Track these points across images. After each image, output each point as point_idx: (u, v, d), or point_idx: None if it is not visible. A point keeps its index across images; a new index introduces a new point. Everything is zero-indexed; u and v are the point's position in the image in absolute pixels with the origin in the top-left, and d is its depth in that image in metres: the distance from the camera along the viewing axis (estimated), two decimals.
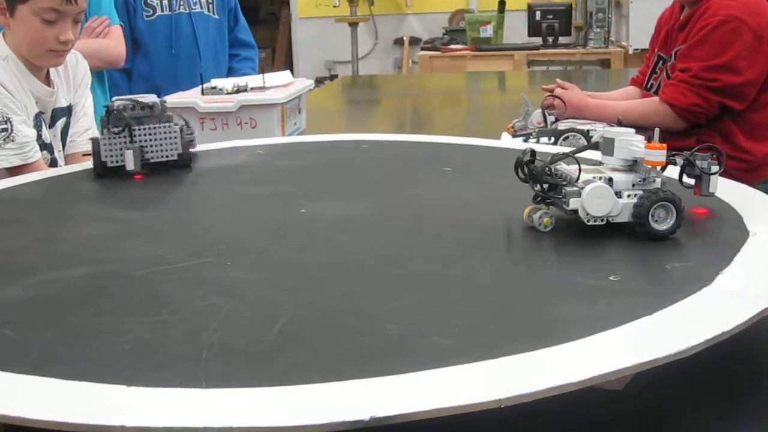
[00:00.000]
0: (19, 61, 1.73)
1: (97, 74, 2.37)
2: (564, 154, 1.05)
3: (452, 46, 6.13)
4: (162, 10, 2.88)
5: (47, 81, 1.80)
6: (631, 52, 5.68)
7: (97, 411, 0.61)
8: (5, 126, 1.65)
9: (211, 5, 2.96)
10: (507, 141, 1.92)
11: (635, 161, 1.02)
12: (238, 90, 2.18)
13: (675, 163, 1.06)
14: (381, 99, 4.13)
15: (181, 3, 2.91)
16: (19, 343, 0.75)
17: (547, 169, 1.03)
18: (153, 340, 0.75)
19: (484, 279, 0.90)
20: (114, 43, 2.46)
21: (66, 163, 1.83)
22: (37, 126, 1.75)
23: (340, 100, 4.10)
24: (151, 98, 1.48)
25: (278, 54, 8.05)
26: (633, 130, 1.06)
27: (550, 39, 6.00)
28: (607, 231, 1.00)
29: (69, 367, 0.69)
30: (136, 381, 0.65)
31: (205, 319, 0.79)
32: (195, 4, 2.93)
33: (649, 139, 1.02)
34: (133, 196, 1.35)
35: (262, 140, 1.78)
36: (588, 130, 1.92)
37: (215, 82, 2.25)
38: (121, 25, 2.55)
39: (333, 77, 6.77)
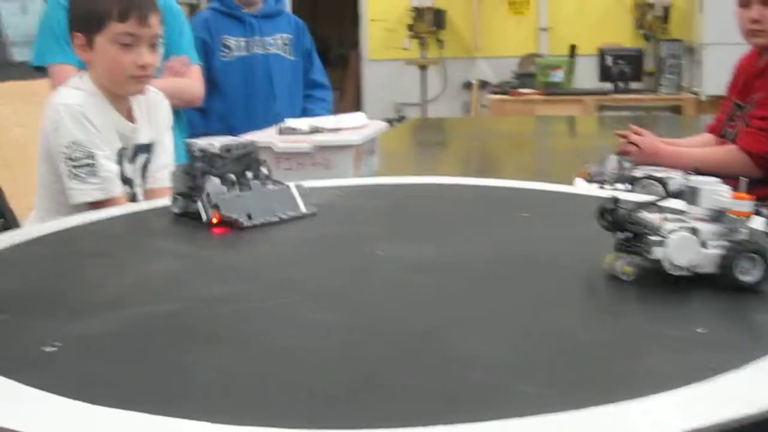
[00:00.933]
0: (104, 98, 1.78)
1: (175, 112, 2.41)
2: (648, 202, 1.04)
3: (522, 90, 6.13)
4: (239, 51, 2.94)
5: (130, 117, 1.85)
6: (704, 98, 5.61)
7: None
8: (90, 161, 1.70)
9: (287, 47, 3.00)
10: (582, 186, 1.91)
11: (720, 211, 1.00)
12: (314, 131, 2.20)
13: (761, 214, 1.04)
14: (450, 142, 4.14)
15: (258, 45, 2.96)
16: (106, 377, 0.77)
17: (630, 216, 1.02)
18: (237, 378, 0.76)
19: (567, 327, 0.89)
20: (193, 83, 2.51)
21: (145, 199, 1.87)
22: (119, 161, 1.79)
23: (409, 143, 4.12)
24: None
25: (347, 95, 8.14)
26: (718, 179, 1.04)
27: (621, 84, 5.97)
28: (692, 281, 0.98)
29: (156, 401, 0.70)
30: (220, 418, 0.66)
31: (286, 358, 0.79)
32: (271, 45, 2.98)
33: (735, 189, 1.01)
34: (211, 235, 1.37)
35: (337, 181, 1.79)
36: (664, 178, 1.90)
37: (291, 122, 2.28)
38: (200, 65, 2.61)
39: (401, 119, 6.80)
